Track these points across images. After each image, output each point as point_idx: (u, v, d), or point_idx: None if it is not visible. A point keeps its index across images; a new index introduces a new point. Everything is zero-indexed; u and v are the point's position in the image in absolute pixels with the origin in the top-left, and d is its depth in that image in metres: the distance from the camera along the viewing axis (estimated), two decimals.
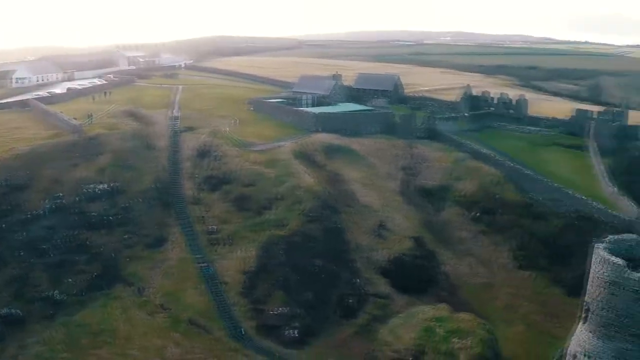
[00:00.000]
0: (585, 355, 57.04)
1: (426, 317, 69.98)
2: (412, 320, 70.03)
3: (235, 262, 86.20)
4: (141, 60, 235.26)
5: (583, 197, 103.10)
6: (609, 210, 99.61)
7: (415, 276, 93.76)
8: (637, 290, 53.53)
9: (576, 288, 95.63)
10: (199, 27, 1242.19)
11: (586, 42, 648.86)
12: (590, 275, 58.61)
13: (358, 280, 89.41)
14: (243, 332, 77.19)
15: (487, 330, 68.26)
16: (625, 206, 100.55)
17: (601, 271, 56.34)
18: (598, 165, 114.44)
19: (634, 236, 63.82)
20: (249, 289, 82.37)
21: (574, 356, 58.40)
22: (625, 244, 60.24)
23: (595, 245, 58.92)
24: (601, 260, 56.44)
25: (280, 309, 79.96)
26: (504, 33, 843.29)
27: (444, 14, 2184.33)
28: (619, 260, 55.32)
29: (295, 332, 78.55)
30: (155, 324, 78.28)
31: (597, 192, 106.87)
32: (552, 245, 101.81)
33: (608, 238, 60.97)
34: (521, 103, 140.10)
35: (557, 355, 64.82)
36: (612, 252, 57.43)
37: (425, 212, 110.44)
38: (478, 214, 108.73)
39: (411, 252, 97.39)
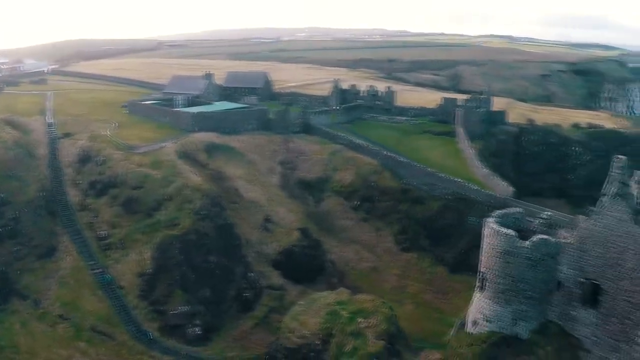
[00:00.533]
0: (486, 320, 60.85)
1: (328, 301, 71.41)
2: (314, 306, 71.19)
3: (130, 265, 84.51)
4: (4, 67, 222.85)
5: (458, 180, 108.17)
6: (484, 190, 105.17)
7: (305, 266, 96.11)
8: (529, 257, 57.82)
9: (458, 265, 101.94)
10: (60, 30, 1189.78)
11: (442, 34, 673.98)
12: (484, 247, 62.09)
13: (252, 274, 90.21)
14: (151, 336, 75.89)
15: (389, 308, 70.70)
16: (498, 186, 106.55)
17: (494, 243, 60.11)
18: (468, 150, 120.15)
19: (519, 209, 68.46)
20: (148, 291, 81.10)
21: (475, 322, 62.08)
22: (512, 217, 64.62)
23: (486, 220, 62.53)
24: (493, 232, 60.23)
25: (181, 308, 79.43)
26: (359, 27, 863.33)
27: (298, 10, 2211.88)
28: (510, 232, 59.51)
29: (198, 329, 78.47)
30: (57, 334, 75.81)
31: (470, 175, 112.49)
32: (431, 227, 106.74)
33: (496, 213, 64.77)
34: (389, 94, 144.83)
35: (457, 324, 67.95)
36: (501, 225, 61.27)
37: (307, 204, 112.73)
38: (358, 203, 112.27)
39: (299, 243, 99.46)
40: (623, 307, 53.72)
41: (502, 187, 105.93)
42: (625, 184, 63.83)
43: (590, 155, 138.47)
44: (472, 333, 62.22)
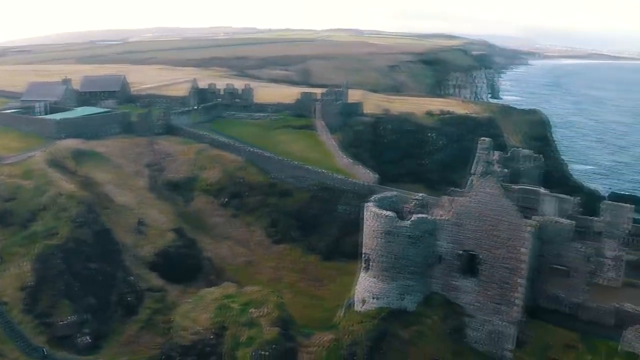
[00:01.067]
0: (374, 298, 64.29)
1: (215, 297, 72.11)
2: (202, 302, 71.66)
3: (11, 279, 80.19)
4: None
5: (323, 171, 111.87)
6: (349, 179, 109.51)
7: (182, 266, 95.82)
8: (410, 235, 61.78)
9: (330, 253, 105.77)
10: None
11: (287, 29, 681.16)
12: (365, 230, 65.31)
13: (131, 277, 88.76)
14: (45, 352, 72.98)
15: (278, 296, 72.70)
16: (362, 174, 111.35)
17: (375, 225, 63.49)
18: (329, 141, 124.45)
19: (394, 193, 72.45)
20: (32, 304, 77.46)
21: (363, 301, 65.34)
22: (388, 200, 68.32)
23: (366, 204, 65.75)
24: (374, 215, 63.58)
25: (68, 318, 76.83)
26: (205, 26, 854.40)
27: (143, 10, 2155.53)
28: (391, 213, 63.12)
29: (88, 338, 76.44)
30: None
31: (334, 165, 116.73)
32: (301, 218, 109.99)
33: (373, 197, 68.29)
34: (248, 92, 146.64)
35: (345, 304, 70.86)
36: (380, 207, 64.81)
37: (177, 205, 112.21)
38: (227, 200, 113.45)
39: (174, 244, 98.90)
40: (501, 273, 58.93)
41: (366, 175, 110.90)
42: (490, 163, 69.63)
43: (444, 140, 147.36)
44: (361, 311, 65.38)
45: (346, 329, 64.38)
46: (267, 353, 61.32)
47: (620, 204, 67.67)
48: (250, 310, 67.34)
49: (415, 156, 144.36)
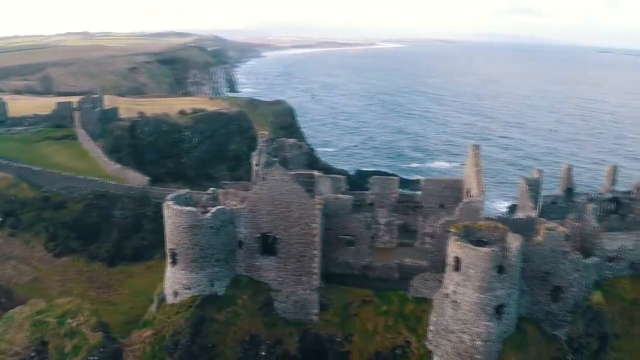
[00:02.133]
0: (185, 288, 69.48)
1: (26, 315, 71.60)
2: (13, 323, 70.91)
3: None
4: None
5: (95, 179, 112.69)
6: (122, 184, 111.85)
7: None
8: (212, 226, 67.94)
9: (113, 258, 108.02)
10: None
11: (16, 36, 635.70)
12: (168, 227, 69.96)
13: None
14: None
15: (90, 302, 74.83)
16: (133, 177, 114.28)
17: (179, 221, 68.50)
18: (94, 149, 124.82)
19: (185, 191, 77.64)
20: None
21: (176, 293, 70.13)
22: (183, 197, 73.45)
23: (165, 204, 70.34)
24: (176, 212, 68.49)
25: None
26: None
27: None
28: (192, 208, 68.68)
29: None
30: None
31: (104, 172, 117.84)
32: (79, 228, 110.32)
33: (169, 196, 72.73)
34: (2, 105, 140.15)
35: (157, 300, 74.53)
36: (179, 204, 69.95)
37: None
38: (1, 220, 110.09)
39: None
40: (298, 248, 67.54)
41: (138, 178, 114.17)
42: (270, 154, 78.07)
43: (199, 137, 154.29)
44: (175, 303, 70.12)
45: (164, 321, 68.93)
46: (96, 358, 64.21)
47: (388, 177, 79.89)
48: (68, 321, 69.16)
49: (174, 155, 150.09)
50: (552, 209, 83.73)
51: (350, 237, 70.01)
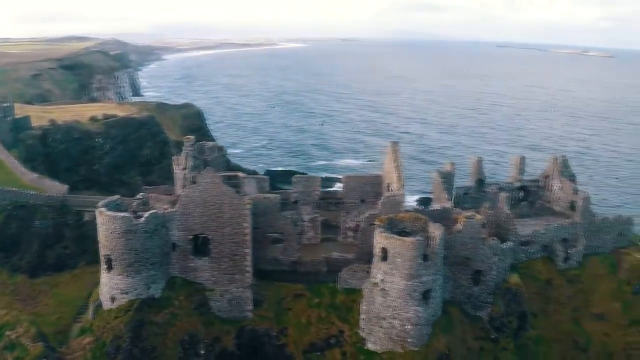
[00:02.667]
0: (123, 293, 70.94)
1: None
2: None
3: None
4: None
5: (13, 189, 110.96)
6: (41, 194, 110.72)
7: None
8: (146, 230, 69.78)
9: (34, 269, 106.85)
10: None
11: None
12: (101, 234, 71.19)
13: None
14: None
15: (28, 313, 74.91)
16: (51, 186, 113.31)
17: (113, 227, 69.90)
18: (8, 159, 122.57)
19: (116, 197, 78.53)
20: None
21: (113, 298, 71.48)
22: (114, 203, 74.62)
23: (98, 210, 71.47)
24: (110, 218, 69.92)
25: None
26: None
27: None
28: (126, 214, 70.33)
29: None
30: None
31: (20, 182, 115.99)
32: None
33: (100, 203, 73.68)
34: None
35: (93, 306, 75.10)
36: (110, 210, 71.30)
37: None
38: None
39: None
40: (230, 248, 70.29)
41: (56, 187, 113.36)
42: (197, 158, 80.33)
43: (111, 143, 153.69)
44: (113, 308, 71.39)
45: (103, 327, 70.16)
46: None
47: (311, 175, 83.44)
48: (6, 333, 69.39)
49: (87, 162, 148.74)
50: (465, 200, 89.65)
51: (278, 234, 73.27)
